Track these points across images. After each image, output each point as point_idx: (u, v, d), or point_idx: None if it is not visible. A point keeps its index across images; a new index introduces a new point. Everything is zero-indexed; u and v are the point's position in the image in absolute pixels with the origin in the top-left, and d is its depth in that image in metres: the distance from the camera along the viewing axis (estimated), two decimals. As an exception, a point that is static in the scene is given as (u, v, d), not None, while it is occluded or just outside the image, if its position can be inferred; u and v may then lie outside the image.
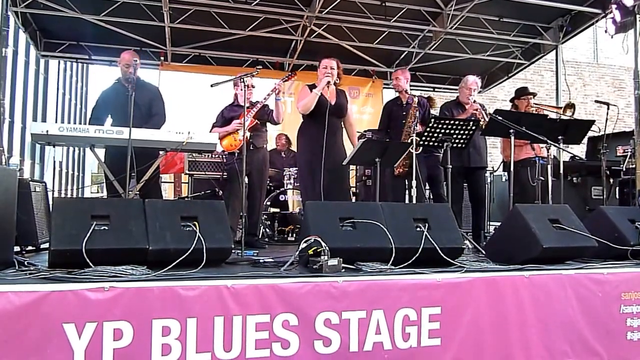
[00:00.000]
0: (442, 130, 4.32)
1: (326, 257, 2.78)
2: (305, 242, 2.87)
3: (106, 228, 2.67)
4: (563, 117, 4.87)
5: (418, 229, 3.16)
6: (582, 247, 3.35)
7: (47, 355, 2.22)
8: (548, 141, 4.21)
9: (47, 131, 3.52)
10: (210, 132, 4.69)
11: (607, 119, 4.78)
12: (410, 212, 3.30)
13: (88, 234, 2.58)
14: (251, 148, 4.65)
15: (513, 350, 2.87)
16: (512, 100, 5.49)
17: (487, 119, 4.61)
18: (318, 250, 2.81)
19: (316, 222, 3.05)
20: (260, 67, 4.44)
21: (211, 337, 2.44)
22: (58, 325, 2.24)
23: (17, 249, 3.17)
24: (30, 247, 3.49)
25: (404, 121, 4.93)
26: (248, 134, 4.52)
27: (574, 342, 2.99)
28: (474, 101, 4.98)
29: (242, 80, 3.88)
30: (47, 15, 6.86)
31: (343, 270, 2.84)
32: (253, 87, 4.70)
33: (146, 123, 4.27)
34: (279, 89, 4.54)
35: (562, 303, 3.00)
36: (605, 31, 5.88)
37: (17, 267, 2.73)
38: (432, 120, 4.35)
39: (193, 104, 7.92)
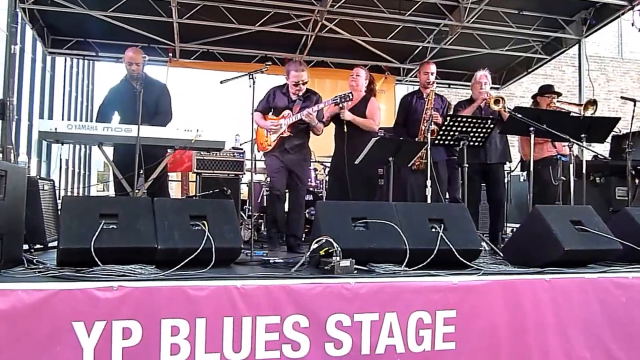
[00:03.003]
0: (459, 128, 4.22)
1: (338, 258, 2.74)
2: (316, 242, 2.83)
3: (114, 227, 2.66)
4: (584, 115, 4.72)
5: (433, 229, 3.10)
6: (605, 250, 3.25)
7: (56, 353, 2.23)
8: (570, 139, 4.08)
9: (55, 129, 3.51)
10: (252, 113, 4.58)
11: (633, 116, 4.61)
12: (426, 212, 3.24)
13: (97, 233, 2.57)
14: (282, 150, 4.50)
15: (531, 355, 2.80)
16: (534, 97, 5.34)
17: (495, 108, 4.52)
18: (330, 251, 2.78)
19: (328, 222, 3.01)
20: (270, 63, 4.35)
21: (220, 338, 2.42)
22: (67, 323, 2.24)
23: (25, 247, 3.17)
24: (38, 246, 3.49)
25: (424, 115, 4.82)
26: (285, 129, 4.42)
27: (594, 348, 2.91)
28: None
29: (251, 77, 3.81)
30: (54, 11, 6.85)
31: (355, 271, 2.79)
32: (304, 83, 4.48)
33: (152, 120, 4.24)
34: (320, 128, 4.50)
35: (584, 308, 2.91)
36: (632, 24, 5.69)
37: (26, 265, 2.74)
38: (448, 118, 4.25)
39: (202, 101, 7.90)
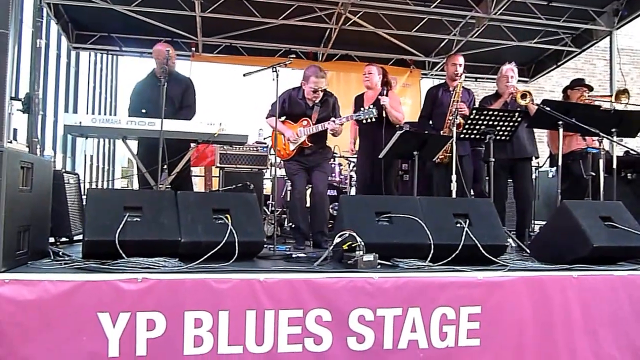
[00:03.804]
0: (485, 122, 4.14)
1: (361, 253, 2.73)
2: (339, 236, 2.81)
3: (139, 219, 2.70)
4: (617, 105, 4.57)
5: (458, 224, 3.07)
6: (636, 247, 3.15)
7: (83, 343, 2.27)
8: (600, 134, 3.96)
9: (80, 122, 3.56)
10: (266, 117, 4.52)
11: (666, 112, 4.46)
12: (450, 207, 3.20)
13: (121, 226, 2.61)
14: (301, 154, 4.48)
15: (557, 353, 2.76)
16: (564, 91, 5.20)
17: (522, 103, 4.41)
18: (353, 245, 2.77)
19: (351, 216, 3.00)
20: (294, 56, 4.31)
21: (243, 331, 2.43)
22: (93, 314, 2.29)
23: (51, 240, 3.23)
24: (64, 239, 3.56)
25: (450, 108, 4.74)
26: (305, 139, 4.40)
27: (623, 348, 2.85)
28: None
29: (274, 70, 3.79)
30: (78, 6, 6.95)
31: (379, 266, 2.78)
32: (322, 91, 4.42)
33: (176, 114, 4.26)
34: (339, 131, 4.50)
35: (613, 306, 2.85)
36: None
37: (52, 257, 2.80)
38: (474, 111, 4.17)
39: (225, 95, 7.93)
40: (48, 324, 2.23)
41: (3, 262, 2.32)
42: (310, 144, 4.42)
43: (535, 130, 4.76)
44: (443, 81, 5.08)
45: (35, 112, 3.16)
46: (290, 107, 4.49)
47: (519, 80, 4.90)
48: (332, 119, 4.40)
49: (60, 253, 2.88)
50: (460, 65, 4.81)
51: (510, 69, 4.77)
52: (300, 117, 4.46)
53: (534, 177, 6.16)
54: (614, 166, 4.23)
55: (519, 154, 4.65)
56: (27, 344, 2.20)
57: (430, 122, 4.94)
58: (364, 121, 4.45)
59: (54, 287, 2.26)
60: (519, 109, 4.45)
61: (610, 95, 4.98)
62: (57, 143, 20.12)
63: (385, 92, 4.70)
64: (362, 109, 4.48)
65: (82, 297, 2.27)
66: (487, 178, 4.55)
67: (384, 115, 4.61)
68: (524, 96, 4.37)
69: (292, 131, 4.43)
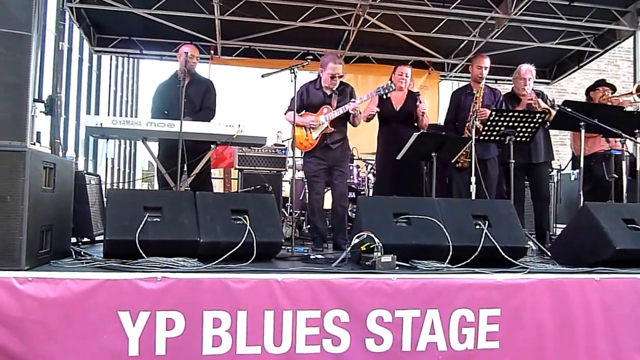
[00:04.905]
0: (505, 124, 4.09)
1: (379, 254, 2.72)
2: (357, 237, 2.80)
3: (158, 220, 2.73)
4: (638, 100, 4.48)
5: (477, 226, 3.04)
6: (661, 250, 3.08)
7: (103, 341, 2.30)
8: (623, 135, 3.89)
9: (101, 124, 3.61)
10: (285, 113, 4.50)
11: (692, 113, 4.36)
12: (469, 208, 3.17)
13: (141, 226, 2.64)
14: (324, 147, 4.42)
15: (578, 357, 2.71)
16: (587, 92, 5.12)
17: (543, 106, 4.32)
18: (371, 246, 2.76)
19: (369, 217, 3.00)
20: (311, 57, 4.31)
21: (261, 331, 2.44)
22: (113, 312, 2.32)
23: (73, 240, 3.29)
24: (85, 239, 3.62)
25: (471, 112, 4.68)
26: (327, 124, 4.35)
27: (645, 351, 2.79)
28: (532, 91, 4.65)
29: (292, 71, 3.80)
30: (100, 10, 7.06)
31: (397, 267, 2.77)
32: (341, 76, 4.42)
33: (196, 115, 4.29)
34: (358, 109, 4.44)
35: (635, 309, 2.79)
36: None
37: (74, 257, 2.84)
38: (494, 113, 4.13)
39: (244, 98, 7.97)
40: (69, 322, 2.26)
41: (26, 261, 2.36)
42: (333, 129, 4.36)
43: (558, 132, 4.70)
44: (467, 84, 5.02)
45: (58, 114, 3.22)
46: (309, 99, 4.47)
47: (540, 83, 4.82)
48: (352, 99, 4.37)
49: (82, 252, 2.93)
50: (485, 68, 4.67)
51: (529, 71, 4.69)
52: (320, 106, 4.42)
53: (555, 180, 6.08)
54: (638, 168, 4.15)
55: (535, 159, 4.60)
56: (48, 341, 2.24)
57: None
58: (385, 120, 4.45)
59: (75, 286, 2.29)
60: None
61: (631, 93, 4.88)
62: (79, 146, 20.46)
63: (419, 95, 4.69)
64: (381, 86, 4.43)
65: (103, 296, 2.30)
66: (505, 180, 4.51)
67: (391, 121, 4.62)
68: (544, 113, 4.29)
69: (312, 116, 4.39)
